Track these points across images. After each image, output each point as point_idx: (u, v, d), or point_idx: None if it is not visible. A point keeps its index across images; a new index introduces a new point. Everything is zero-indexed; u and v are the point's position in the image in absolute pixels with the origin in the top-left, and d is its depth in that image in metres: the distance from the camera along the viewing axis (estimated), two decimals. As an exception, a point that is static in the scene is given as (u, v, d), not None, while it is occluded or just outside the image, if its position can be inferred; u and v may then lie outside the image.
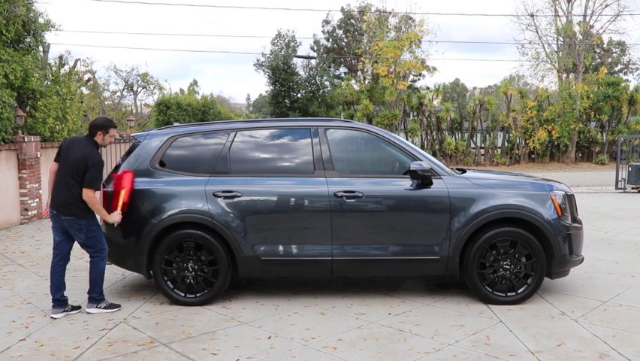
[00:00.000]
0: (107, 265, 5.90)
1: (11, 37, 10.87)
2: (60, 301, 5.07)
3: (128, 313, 5.12)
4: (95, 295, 5.11)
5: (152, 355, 4.16)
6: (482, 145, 28.21)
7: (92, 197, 4.91)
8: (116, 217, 5.10)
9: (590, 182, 18.08)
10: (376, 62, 27.95)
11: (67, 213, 4.93)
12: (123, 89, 34.59)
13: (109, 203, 5.40)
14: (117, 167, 5.60)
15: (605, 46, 42.66)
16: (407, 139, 22.36)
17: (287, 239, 5.25)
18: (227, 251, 5.25)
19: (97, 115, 28.30)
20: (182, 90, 41.38)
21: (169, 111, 25.91)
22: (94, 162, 4.91)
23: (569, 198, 5.45)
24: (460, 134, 28.34)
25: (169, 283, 5.30)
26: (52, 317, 5.01)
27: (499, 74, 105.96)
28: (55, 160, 5.11)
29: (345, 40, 37.73)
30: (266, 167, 5.43)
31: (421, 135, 27.65)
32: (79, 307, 5.19)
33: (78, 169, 4.88)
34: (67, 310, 5.09)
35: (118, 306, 5.22)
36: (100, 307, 5.11)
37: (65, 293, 5.13)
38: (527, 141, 26.80)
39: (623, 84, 27.71)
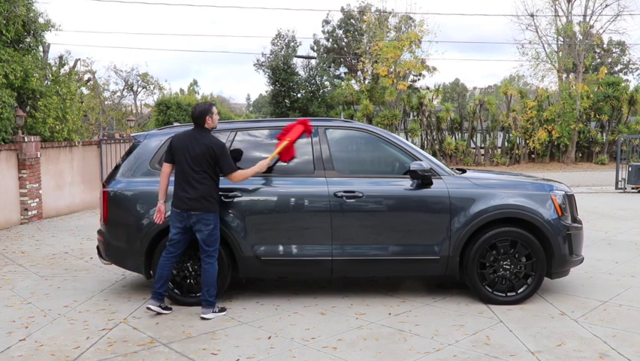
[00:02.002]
0: (107, 265, 5.93)
1: (11, 37, 10.87)
2: (160, 295, 5.00)
3: (128, 313, 5.12)
4: (212, 300, 4.95)
5: (152, 355, 4.16)
6: (482, 145, 28.20)
7: (241, 174, 4.96)
8: (264, 166, 5.09)
9: (590, 182, 18.08)
10: (376, 62, 27.94)
11: (198, 208, 4.84)
12: (123, 89, 34.57)
13: (108, 204, 5.40)
14: (117, 167, 5.60)
15: (605, 46, 42.66)
16: (407, 139, 22.36)
17: (287, 239, 5.25)
18: (227, 251, 5.25)
19: (97, 115, 28.34)
20: (182, 90, 41.38)
21: (169, 111, 25.89)
22: (219, 147, 4.88)
23: (569, 198, 5.45)
24: (460, 134, 28.33)
25: (169, 283, 5.29)
26: (148, 308, 4.97)
27: (499, 74, 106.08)
28: (167, 161, 5.01)
29: (345, 40, 37.73)
30: (266, 167, 5.42)
31: (421, 135, 27.63)
32: (170, 309, 5.11)
33: (207, 161, 4.83)
34: (162, 307, 5.02)
35: (225, 309, 5.12)
36: (215, 312, 4.97)
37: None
38: (527, 141, 26.79)
39: (623, 84, 27.68)
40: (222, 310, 5.07)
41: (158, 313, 5.01)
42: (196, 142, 4.89)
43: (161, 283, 4.99)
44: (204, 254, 4.95)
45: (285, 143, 5.20)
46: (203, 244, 4.92)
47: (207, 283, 4.94)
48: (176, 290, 5.30)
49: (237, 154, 5.38)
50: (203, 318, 4.91)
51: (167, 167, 5.02)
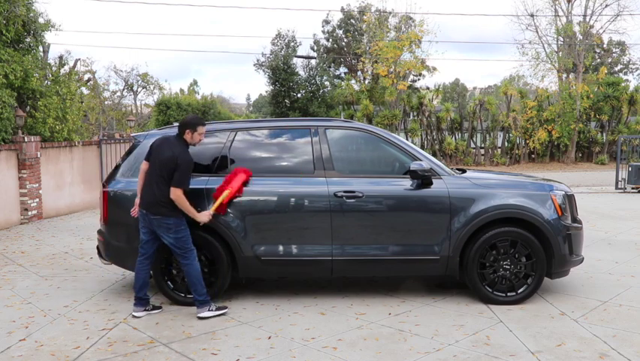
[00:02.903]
0: (107, 265, 5.92)
1: (11, 37, 10.87)
2: (142, 300, 5.01)
3: (128, 313, 5.12)
4: (202, 298, 4.93)
5: (152, 355, 4.16)
6: (482, 145, 28.19)
7: (180, 196, 4.82)
8: (204, 217, 4.98)
9: (590, 182, 18.07)
10: (376, 62, 27.93)
11: (156, 212, 4.84)
12: (123, 89, 34.58)
13: (108, 204, 5.40)
14: (117, 167, 5.60)
15: (605, 46, 42.66)
16: (407, 139, 22.36)
17: (287, 239, 5.25)
18: (227, 251, 5.25)
19: (97, 115, 28.33)
20: (182, 90, 41.38)
21: (169, 111, 25.90)
22: (182, 161, 4.82)
23: (569, 198, 5.45)
24: (460, 134, 28.33)
25: (169, 283, 5.30)
26: (133, 315, 4.97)
27: (499, 74, 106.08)
28: (146, 159, 5.04)
29: (345, 40, 37.72)
30: (266, 167, 5.42)
31: (421, 135, 27.63)
32: (160, 307, 5.14)
33: (167, 168, 4.81)
34: (148, 310, 5.03)
35: (226, 307, 5.10)
36: (212, 310, 4.95)
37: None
38: (527, 141, 26.79)
39: (623, 84, 27.68)
40: (222, 308, 5.05)
41: (149, 314, 5.01)
42: (167, 148, 4.89)
43: (140, 287, 5.00)
44: (178, 257, 4.95)
45: (227, 192, 5.08)
46: (172, 247, 4.93)
47: (191, 282, 4.94)
48: (176, 290, 5.30)
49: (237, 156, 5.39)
50: (199, 318, 4.90)
51: (144, 164, 5.07)
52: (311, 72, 29.44)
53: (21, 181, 10.67)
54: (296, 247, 5.25)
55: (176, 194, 4.82)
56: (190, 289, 4.99)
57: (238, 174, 5.19)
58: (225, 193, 5.08)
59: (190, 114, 5.14)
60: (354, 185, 5.24)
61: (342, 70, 38.28)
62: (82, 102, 16.39)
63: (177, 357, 4.12)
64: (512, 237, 5.19)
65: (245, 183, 5.20)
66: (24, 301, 5.53)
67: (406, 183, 5.26)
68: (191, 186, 5.28)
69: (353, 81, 29.87)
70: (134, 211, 5.10)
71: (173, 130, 5.60)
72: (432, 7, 78.20)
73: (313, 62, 29.98)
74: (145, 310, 5.02)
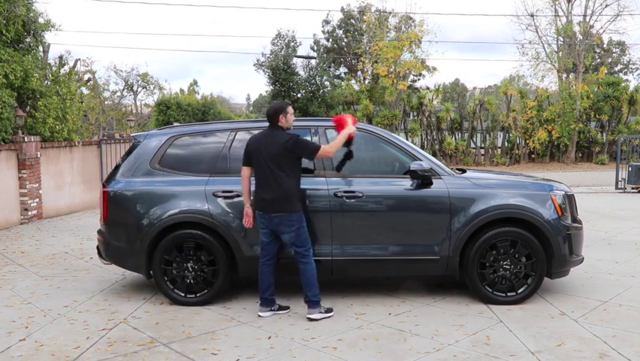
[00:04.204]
0: (107, 265, 5.92)
1: (11, 37, 10.87)
2: (267, 300, 4.97)
3: (128, 313, 5.12)
4: (316, 299, 4.87)
5: (152, 355, 4.16)
6: (482, 145, 28.19)
7: (329, 148, 4.83)
8: (345, 131, 4.92)
9: (590, 182, 18.07)
10: (376, 62, 27.92)
11: (279, 210, 4.75)
12: (123, 89, 34.57)
13: (108, 204, 5.40)
14: (117, 167, 5.60)
15: (605, 46, 42.66)
16: (407, 139, 22.35)
17: (287, 239, 5.25)
18: (228, 251, 5.25)
19: (97, 115, 28.32)
20: (182, 90, 41.36)
21: (169, 111, 25.90)
22: (294, 138, 4.76)
23: (569, 198, 5.45)
24: (460, 134, 28.32)
25: (169, 283, 5.30)
26: (259, 315, 4.93)
27: (499, 74, 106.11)
28: (245, 164, 4.94)
29: (345, 40, 37.72)
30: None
31: (421, 135, 27.62)
32: (287, 308, 5.08)
33: (284, 159, 4.74)
34: (274, 310, 4.98)
35: (332, 310, 5.00)
36: (322, 312, 4.88)
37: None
38: (527, 141, 26.78)
39: (623, 84, 27.66)
40: (329, 310, 4.97)
41: (273, 316, 4.96)
42: (271, 141, 4.80)
43: (265, 289, 4.93)
44: (297, 255, 4.86)
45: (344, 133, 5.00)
46: (293, 246, 4.84)
47: (307, 283, 4.85)
48: (176, 290, 5.30)
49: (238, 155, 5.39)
50: (309, 319, 4.84)
51: (245, 170, 4.95)
52: (311, 72, 29.44)
53: (21, 181, 10.67)
54: (296, 247, 5.24)
55: (328, 151, 4.83)
56: (304, 289, 4.88)
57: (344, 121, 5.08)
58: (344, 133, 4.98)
59: (273, 102, 5.04)
60: (354, 185, 5.24)
61: (342, 70, 38.28)
62: (82, 102, 16.39)
63: (177, 357, 4.12)
64: (512, 237, 5.19)
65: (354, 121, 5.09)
66: (24, 301, 5.53)
67: (406, 183, 5.26)
68: (190, 187, 5.30)
69: (353, 81, 29.86)
70: (249, 222, 4.97)
71: (173, 130, 5.61)
72: (432, 7, 78.21)
73: (313, 62, 29.99)
74: (271, 310, 4.98)
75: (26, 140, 10.67)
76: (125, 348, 4.29)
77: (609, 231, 8.96)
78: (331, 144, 4.92)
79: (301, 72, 29.42)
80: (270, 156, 4.77)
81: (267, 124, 5.79)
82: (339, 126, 5.08)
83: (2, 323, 4.88)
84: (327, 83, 29.91)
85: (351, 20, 37.90)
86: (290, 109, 4.96)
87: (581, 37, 27.12)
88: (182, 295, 5.29)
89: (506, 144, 27.72)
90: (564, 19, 26.96)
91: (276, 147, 4.76)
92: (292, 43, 29.93)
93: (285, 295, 5.56)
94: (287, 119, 4.91)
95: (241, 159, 5.39)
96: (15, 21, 10.86)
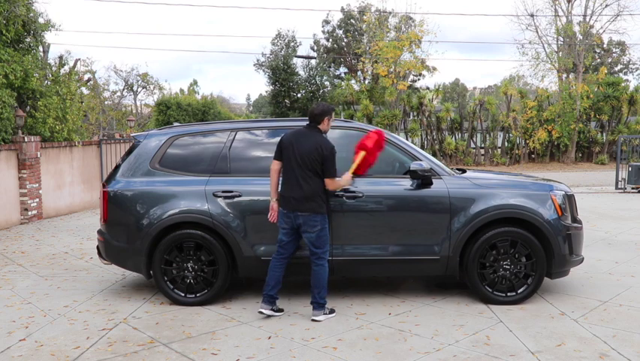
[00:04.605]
0: (107, 265, 5.92)
1: (11, 37, 10.87)
2: (272, 298, 4.92)
3: (128, 313, 5.12)
4: (323, 301, 4.86)
5: (152, 355, 4.16)
6: (482, 145, 28.20)
7: (335, 184, 4.78)
8: (344, 181, 4.86)
9: (590, 182, 18.08)
10: (376, 62, 27.93)
11: (304, 209, 4.70)
12: (123, 89, 34.59)
13: (108, 204, 5.40)
14: (117, 167, 5.60)
15: (605, 46, 42.67)
16: (407, 139, 22.35)
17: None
18: (228, 251, 5.25)
19: (97, 115, 28.31)
20: (182, 90, 41.33)
21: (169, 111, 25.91)
22: (330, 149, 4.71)
23: (569, 198, 5.45)
24: (460, 134, 28.33)
25: (169, 283, 5.29)
26: (260, 311, 4.89)
27: (499, 74, 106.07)
28: (276, 158, 4.89)
29: (345, 40, 37.73)
30: (266, 167, 5.41)
31: (421, 135, 27.64)
32: (282, 310, 5.03)
33: (315, 161, 4.68)
34: (274, 309, 4.95)
35: (334, 310, 5.01)
36: (325, 313, 4.88)
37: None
38: (527, 141, 26.79)
39: (623, 84, 27.68)
40: (332, 311, 4.98)
41: (269, 316, 4.93)
42: (305, 140, 4.76)
43: (272, 286, 4.90)
44: (313, 256, 4.84)
45: (362, 154, 4.98)
46: (312, 246, 4.81)
47: (317, 285, 4.84)
48: (176, 290, 5.30)
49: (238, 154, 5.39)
50: (314, 320, 4.83)
51: (275, 164, 4.91)
52: (311, 72, 29.46)
53: (21, 181, 10.67)
54: (296, 247, 5.24)
55: (334, 184, 4.79)
56: (313, 290, 4.86)
57: (373, 134, 5.05)
58: (361, 155, 4.97)
59: (319, 103, 4.97)
60: (354, 185, 5.23)
61: (342, 70, 38.31)
62: (82, 102, 16.39)
63: (177, 357, 4.12)
64: (512, 237, 5.19)
65: (379, 143, 5.03)
66: (24, 301, 5.53)
67: (406, 183, 5.26)
68: (191, 187, 5.30)
69: (353, 81, 29.87)
70: (273, 216, 4.93)
71: (173, 130, 5.61)
72: (432, 7, 78.28)
73: (313, 62, 30.01)
74: (271, 309, 4.95)
75: (26, 140, 10.67)
76: (125, 348, 4.29)
77: (609, 231, 8.96)
78: (337, 182, 4.82)
79: (301, 72, 29.46)
80: (300, 154, 4.73)
81: (266, 124, 5.79)
82: (365, 148, 4.99)
83: (2, 323, 4.88)
84: (327, 83, 29.94)
85: (351, 20, 37.92)
86: (333, 115, 4.97)
87: (581, 37, 27.13)
88: (182, 295, 5.29)
89: (506, 144, 27.73)
90: (564, 19, 26.98)
91: (309, 146, 4.71)
92: (292, 44, 29.95)
93: (285, 296, 5.56)
94: (328, 124, 4.91)
95: (241, 159, 5.40)
96: (15, 21, 10.86)
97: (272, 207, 4.96)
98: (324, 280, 4.85)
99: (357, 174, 5.01)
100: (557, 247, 5.19)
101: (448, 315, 4.96)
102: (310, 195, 4.71)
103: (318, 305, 4.87)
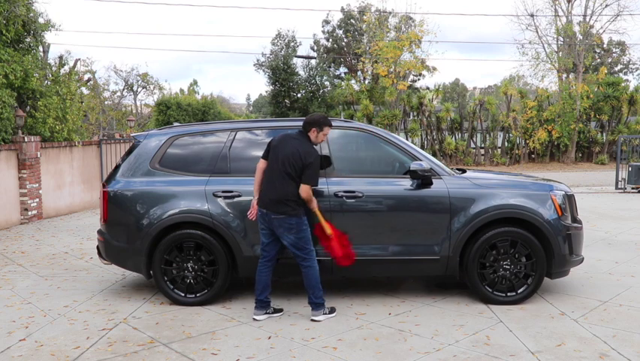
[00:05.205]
0: (107, 265, 5.92)
1: (11, 37, 10.87)
2: (263, 303, 4.91)
3: (128, 313, 5.12)
4: (319, 301, 4.85)
5: (152, 355, 4.16)
6: (482, 145, 28.20)
7: (310, 193, 4.71)
8: (313, 203, 4.80)
9: (590, 182, 18.08)
10: (376, 62, 27.94)
11: (278, 211, 4.71)
12: (123, 89, 34.60)
13: (108, 204, 5.40)
14: (117, 167, 5.60)
15: (605, 46, 42.67)
16: (407, 139, 22.36)
17: (287, 239, 5.24)
18: (227, 251, 5.25)
19: (97, 115, 28.33)
20: (182, 90, 41.33)
21: (169, 111, 25.90)
22: (312, 157, 4.70)
23: (569, 198, 5.45)
24: (460, 134, 28.34)
25: (169, 283, 5.29)
26: (254, 318, 4.88)
27: (499, 74, 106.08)
28: (263, 157, 4.92)
29: (345, 40, 37.73)
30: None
31: (421, 135, 27.65)
32: (281, 310, 5.03)
33: (292, 165, 4.68)
34: (269, 313, 4.93)
35: (335, 309, 5.00)
36: (325, 313, 4.88)
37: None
38: (527, 141, 26.79)
39: (623, 84, 27.68)
40: (332, 310, 4.98)
41: (270, 317, 4.93)
42: (289, 144, 4.77)
43: (261, 290, 4.90)
44: (298, 258, 4.83)
45: (328, 233, 4.91)
46: (293, 249, 4.80)
47: (310, 285, 4.83)
48: (176, 290, 5.30)
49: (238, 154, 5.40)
50: (313, 320, 4.83)
51: (261, 163, 4.92)
52: (311, 72, 29.46)
53: (21, 181, 10.67)
54: (296, 247, 5.24)
55: (307, 192, 4.70)
56: (307, 292, 4.87)
57: (343, 255, 4.98)
58: (328, 232, 4.90)
59: (316, 113, 4.94)
60: (354, 185, 5.23)
61: (342, 70, 38.30)
62: (82, 102, 16.39)
63: (177, 357, 4.12)
64: (512, 237, 5.19)
65: (343, 249, 4.95)
66: (24, 301, 5.53)
67: (405, 183, 5.26)
68: (191, 187, 5.30)
69: (353, 81, 29.88)
70: (252, 214, 4.95)
71: (173, 130, 5.61)
72: (432, 7, 78.29)
73: (313, 62, 30.01)
74: (266, 313, 4.93)
75: (26, 140, 10.67)
76: (125, 348, 4.29)
77: (609, 231, 8.96)
78: (310, 194, 4.73)
79: (301, 72, 29.46)
80: (283, 157, 4.74)
81: (266, 124, 5.80)
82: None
83: (2, 323, 4.88)
84: (327, 83, 29.94)
85: (351, 20, 37.92)
86: (326, 130, 4.90)
87: (581, 37, 27.13)
88: (182, 295, 5.29)
89: (506, 144, 27.73)
90: (564, 19, 26.98)
91: (290, 151, 4.72)
92: (292, 44, 29.95)
93: (285, 296, 5.57)
94: (317, 137, 4.87)
95: (241, 159, 5.40)
96: (15, 21, 10.86)
97: (253, 205, 4.98)
98: (316, 281, 4.83)
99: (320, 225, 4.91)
100: (557, 247, 5.18)
101: (448, 315, 4.96)
102: (282, 198, 4.71)
103: (316, 305, 4.87)
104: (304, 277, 4.85)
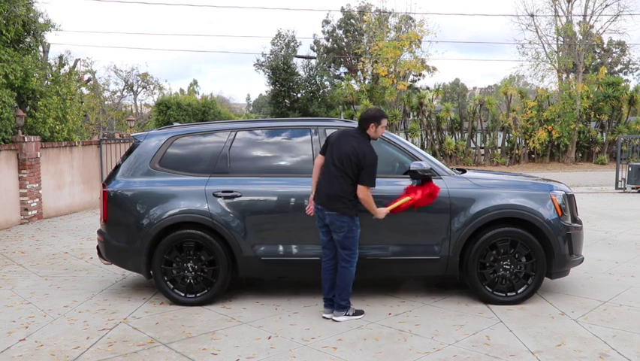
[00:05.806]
0: (107, 265, 5.92)
1: (11, 37, 10.87)
2: (332, 301, 4.89)
3: (128, 313, 5.12)
4: (345, 303, 4.84)
5: (152, 355, 4.16)
6: (482, 145, 28.20)
7: (367, 194, 4.66)
8: (382, 213, 4.82)
9: (590, 182, 18.08)
10: (376, 62, 27.94)
11: (332, 208, 4.68)
12: (123, 89, 34.59)
13: (108, 204, 5.40)
14: (117, 167, 5.60)
15: (605, 46, 42.66)
16: (407, 139, 22.35)
17: (287, 239, 5.25)
18: (227, 251, 5.25)
19: (97, 115, 28.32)
20: (182, 90, 41.33)
21: (169, 111, 25.89)
22: (370, 158, 4.64)
23: (569, 198, 5.45)
24: (460, 134, 28.33)
25: (169, 283, 5.29)
26: (323, 316, 4.88)
27: (499, 74, 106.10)
28: (322, 153, 4.89)
29: (345, 40, 37.72)
30: (266, 167, 5.43)
31: (421, 135, 27.64)
32: (362, 312, 4.94)
33: (349, 163, 4.64)
34: (348, 315, 4.88)
35: (362, 312, 4.96)
36: (349, 315, 4.85)
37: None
38: (527, 141, 26.79)
39: (623, 84, 27.67)
40: (359, 312, 4.92)
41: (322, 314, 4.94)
42: (346, 141, 4.73)
43: (328, 289, 4.89)
44: (339, 257, 4.81)
45: (407, 199, 4.97)
46: (339, 246, 4.78)
47: (341, 285, 4.80)
48: (176, 290, 5.30)
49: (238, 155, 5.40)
50: (334, 320, 4.81)
51: (319, 158, 4.90)
52: (311, 72, 29.45)
53: (21, 181, 10.67)
54: (296, 247, 5.25)
55: (365, 192, 4.65)
56: (336, 291, 4.84)
57: (430, 185, 5.03)
58: (406, 199, 4.95)
59: (370, 108, 4.90)
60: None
61: (342, 70, 38.28)
62: (82, 102, 16.39)
63: (177, 357, 4.12)
64: (512, 237, 5.19)
65: (430, 195, 5.01)
66: (24, 301, 5.53)
67: (406, 183, 5.26)
68: (190, 187, 5.30)
69: (353, 81, 29.87)
70: (310, 209, 4.94)
71: (173, 130, 5.62)
72: (432, 7, 78.29)
73: (313, 62, 30.01)
74: (346, 314, 4.88)
75: (26, 140, 10.67)
76: (125, 348, 4.29)
77: (609, 231, 8.96)
78: (369, 196, 4.70)
79: (301, 72, 29.44)
80: (339, 153, 4.72)
81: (266, 124, 5.80)
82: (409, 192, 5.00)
83: (2, 323, 4.88)
84: (327, 83, 29.93)
85: (351, 20, 37.90)
86: (384, 122, 4.86)
87: (581, 37, 27.13)
88: (182, 295, 5.29)
89: (506, 144, 27.73)
90: (564, 19, 26.98)
91: (346, 149, 4.69)
92: (292, 43, 29.93)
93: (285, 296, 5.57)
94: (376, 131, 4.83)
95: (241, 159, 5.41)
96: (15, 21, 10.86)
97: (310, 200, 4.97)
98: (347, 284, 4.81)
99: (393, 212, 4.96)
100: (557, 247, 5.18)
101: (448, 315, 4.96)
102: (336, 195, 4.69)
103: (340, 306, 4.84)
104: (338, 275, 4.82)
